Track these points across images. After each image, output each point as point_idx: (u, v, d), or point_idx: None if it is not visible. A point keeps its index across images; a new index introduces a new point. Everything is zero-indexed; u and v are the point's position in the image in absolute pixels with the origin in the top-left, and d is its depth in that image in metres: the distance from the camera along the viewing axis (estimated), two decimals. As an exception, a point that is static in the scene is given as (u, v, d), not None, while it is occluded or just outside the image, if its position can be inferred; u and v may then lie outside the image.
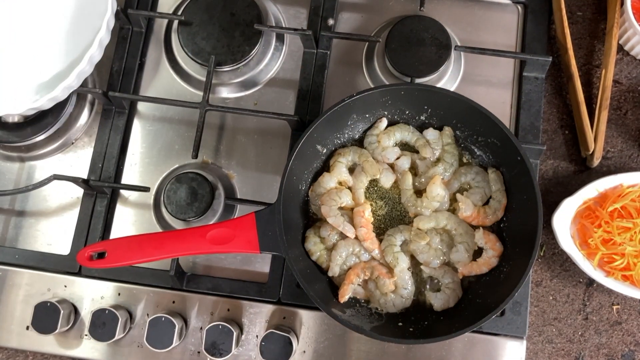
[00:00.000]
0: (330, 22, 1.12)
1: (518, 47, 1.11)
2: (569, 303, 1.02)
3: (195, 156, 1.02)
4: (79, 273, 1.04)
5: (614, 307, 1.02)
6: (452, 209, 0.98)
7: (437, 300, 0.93)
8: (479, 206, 0.97)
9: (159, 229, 1.06)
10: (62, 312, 0.97)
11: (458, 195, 0.97)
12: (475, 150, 1.00)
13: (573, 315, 1.02)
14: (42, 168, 1.11)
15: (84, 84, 1.06)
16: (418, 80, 1.05)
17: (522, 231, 0.92)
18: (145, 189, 1.05)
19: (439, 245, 0.95)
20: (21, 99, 1.04)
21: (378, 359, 0.98)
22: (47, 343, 1.01)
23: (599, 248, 0.97)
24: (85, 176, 1.07)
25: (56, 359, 1.04)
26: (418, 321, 0.93)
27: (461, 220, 0.96)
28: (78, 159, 1.10)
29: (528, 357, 1.00)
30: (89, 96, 1.12)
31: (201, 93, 1.07)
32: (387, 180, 0.98)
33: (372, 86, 1.09)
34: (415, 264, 0.96)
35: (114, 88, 1.10)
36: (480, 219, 0.96)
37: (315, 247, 0.96)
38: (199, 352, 0.99)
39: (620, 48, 1.11)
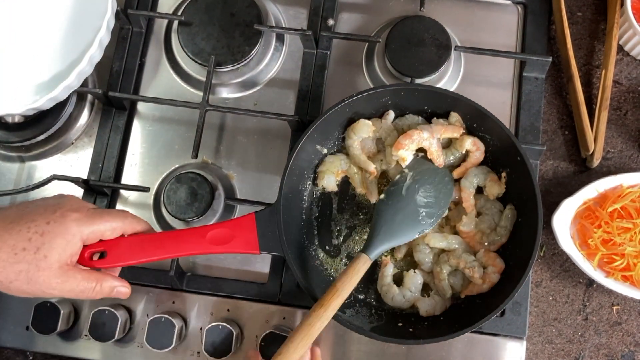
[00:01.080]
0: (331, 22, 1.12)
1: (518, 48, 1.11)
2: (568, 303, 1.02)
3: (195, 156, 1.02)
4: (78, 273, 1.03)
5: (614, 308, 1.02)
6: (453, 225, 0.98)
7: (424, 306, 0.94)
8: (481, 231, 0.96)
9: (158, 229, 1.06)
10: (62, 312, 0.98)
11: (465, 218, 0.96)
12: (475, 150, 1.00)
13: (573, 315, 1.02)
14: (42, 168, 1.11)
15: (84, 84, 1.06)
16: (418, 81, 1.05)
17: (522, 231, 0.92)
18: (145, 189, 1.05)
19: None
20: (21, 99, 1.04)
21: (378, 359, 0.98)
22: (47, 343, 1.01)
23: (598, 248, 0.97)
24: (85, 176, 1.07)
25: (56, 359, 1.04)
26: (418, 321, 0.93)
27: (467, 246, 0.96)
28: (78, 159, 1.10)
29: (528, 357, 1.00)
30: (89, 96, 1.12)
31: (201, 93, 1.07)
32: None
33: (372, 86, 1.09)
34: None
35: (114, 88, 1.10)
36: (475, 242, 0.96)
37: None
38: (198, 353, 0.99)
39: (620, 48, 1.11)
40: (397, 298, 0.94)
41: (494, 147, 0.96)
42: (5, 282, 0.77)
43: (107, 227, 0.83)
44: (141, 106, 1.12)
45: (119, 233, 0.85)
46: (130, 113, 1.11)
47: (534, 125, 1.05)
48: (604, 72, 1.06)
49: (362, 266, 0.87)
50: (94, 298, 0.83)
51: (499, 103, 1.08)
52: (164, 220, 1.06)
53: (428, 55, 1.05)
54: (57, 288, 0.79)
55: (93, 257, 0.90)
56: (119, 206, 1.08)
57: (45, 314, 0.97)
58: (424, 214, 0.93)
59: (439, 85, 1.07)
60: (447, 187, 0.96)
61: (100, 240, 0.84)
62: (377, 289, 0.96)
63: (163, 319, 0.96)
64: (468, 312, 0.92)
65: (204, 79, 1.09)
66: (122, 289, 0.86)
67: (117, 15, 1.08)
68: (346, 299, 0.93)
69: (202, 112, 1.04)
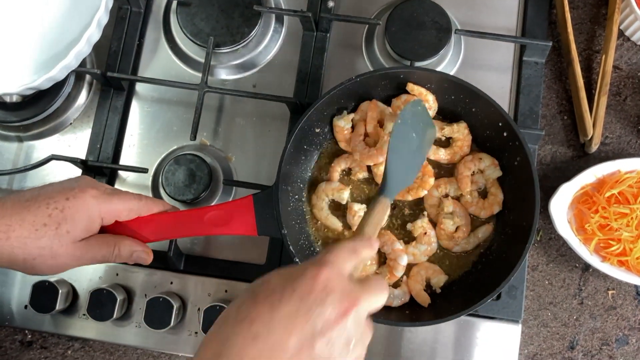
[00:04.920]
0: (330, 4, 1.11)
1: (518, 32, 1.10)
2: (564, 287, 1.03)
3: (194, 138, 1.02)
4: (77, 253, 1.04)
5: (609, 292, 1.03)
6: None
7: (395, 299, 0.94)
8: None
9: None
10: (60, 291, 0.98)
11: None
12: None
13: (568, 299, 1.03)
14: (40, 148, 1.10)
15: (82, 64, 1.05)
16: (418, 64, 1.05)
17: (519, 215, 0.93)
18: (144, 170, 1.05)
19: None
20: (19, 79, 1.04)
21: (375, 340, 0.97)
22: (45, 322, 1.02)
23: (595, 233, 0.98)
24: (83, 157, 1.07)
25: (54, 338, 1.05)
26: (414, 304, 0.94)
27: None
28: (76, 140, 1.10)
29: (523, 340, 1.01)
30: (87, 76, 1.12)
31: (200, 74, 1.06)
32: None
33: (371, 69, 1.08)
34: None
35: (112, 69, 1.10)
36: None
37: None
38: (196, 333, 1.00)
39: (620, 34, 1.10)
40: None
41: (492, 131, 0.96)
42: (28, 260, 0.77)
43: (124, 207, 0.84)
44: (139, 87, 1.11)
45: (135, 215, 0.86)
46: (129, 94, 1.11)
47: (533, 110, 1.05)
48: (604, 57, 1.06)
49: (383, 209, 0.83)
50: (116, 262, 0.85)
51: (498, 87, 1.07)
52: (162, 201, 1.06)
53: (428, 38, 1.04)
54: (80, 258, 0.80)
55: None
56: (117, 187, 1.08)
57: (43, 293, 0.98)
58: (419, 147, 0.92)
59: (439, 69, 1.07)
60: (428, 121, 0.94)
61: (116, 222, 0.85)
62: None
63: (161, 299, 0.97)
64: (464, 295, 0.93)
65: (202, 60, 1.08)
66: (142, 254, 0.86)
67: (116, -5, 1.08)
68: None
69: (201, 94, 1.04)
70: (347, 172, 1.00)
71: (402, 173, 0.89)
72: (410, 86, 0.96)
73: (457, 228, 0.96)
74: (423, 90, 0.97)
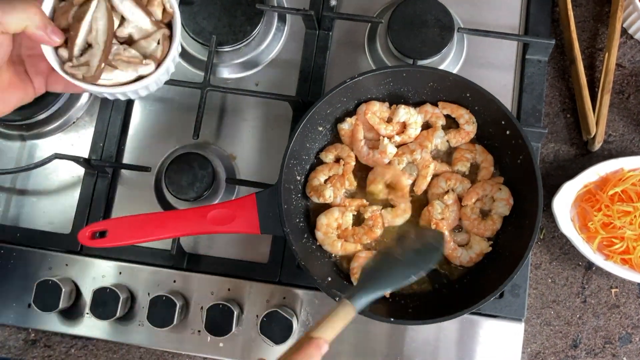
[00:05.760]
0: (333, 2, 1.11)
1: (521, 30, 1.10)
2: (567, 286, 1.03)
3: (197, 136, 1.02)
4: (80, 252, 1.04)
5: (613, 290, 1.03)
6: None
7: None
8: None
9: (160, 209, 1.06)
10: (63, 290, 0.98)
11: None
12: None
13: (571, 298, 1.03)
14: (43, 147, 1.11)
15: (85, 63, 1.05)
16: (420, 62, 1.05)
17: (522, 214, 0.93)
18: (146, 169, 1.05)
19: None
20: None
21: (377, 337, 0.99)
22: (49, 321, 1.02)
23: (598, 231, 0.98)
24: (86, 155, 1.07)
25: (57, 337, 1.05)
26: (417, 301, 0.94)
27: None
28: (79, 138, 1.10)
29: (526, 339, 1.01)
30: (90, 75, 1.12)
31: (202, 73, 1.06)
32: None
33: (374, 67, 1.08)
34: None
35: (115, 67, 1.10)
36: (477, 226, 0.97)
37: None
38: (199, 331, 1.00)
39: (623, 31, 1.10)
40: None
41: (495, 129, 0.96)
42: None
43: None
44: (142, 86, 1.11)
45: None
46: (132, 92, 1.11)
47: (536, 108, 1.05)
48: (607, 55, 1.06)
49: (346, 317, 0.75)
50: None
51: (501, 85, 1.07)
52: (165, 200, 1.06)
53: (431, 37, 1.04)
54: None
55: (95, 236, 0.91)
56: (120, 186, 1.08)
57: (46, 291, 0.98)
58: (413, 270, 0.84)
59: (442, 67, 1.07)
60: (434, 252, 0.88)
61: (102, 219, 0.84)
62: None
63: (164, 298, 0.97)
64: (467, 293, 0.93)
65: (205, 59, 1.08)
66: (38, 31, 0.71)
67: (118, -6, 1.08)
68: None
69: (204, 93, 1.04)
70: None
71: (379, 287, 0.80)
72: (443, 104, 0.98)
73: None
74: (464, 111, 0.98)
